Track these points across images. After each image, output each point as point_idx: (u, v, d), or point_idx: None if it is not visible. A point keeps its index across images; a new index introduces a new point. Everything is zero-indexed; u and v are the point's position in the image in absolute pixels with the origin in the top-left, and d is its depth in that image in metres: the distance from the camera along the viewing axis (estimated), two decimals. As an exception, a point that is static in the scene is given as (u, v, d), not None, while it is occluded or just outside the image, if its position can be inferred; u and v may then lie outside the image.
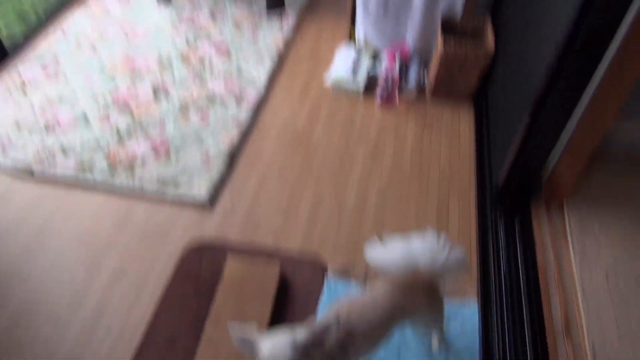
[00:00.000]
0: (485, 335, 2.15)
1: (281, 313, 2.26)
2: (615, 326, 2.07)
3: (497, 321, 2.16)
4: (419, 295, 1.75)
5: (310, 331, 1.41)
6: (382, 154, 3.10)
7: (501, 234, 2.48)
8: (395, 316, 1.69)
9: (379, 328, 1.66)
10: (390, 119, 3.37)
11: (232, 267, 2.34)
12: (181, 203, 2.74)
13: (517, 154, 2.35)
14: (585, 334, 2.04)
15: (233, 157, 3.03)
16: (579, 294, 2.17)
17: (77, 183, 2.83)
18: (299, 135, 3.21)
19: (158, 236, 2.57)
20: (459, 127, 3.34)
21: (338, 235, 2.61)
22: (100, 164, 2.92)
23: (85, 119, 3.22)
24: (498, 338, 2.10)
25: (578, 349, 2.02)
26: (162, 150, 3.01)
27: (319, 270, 2.43)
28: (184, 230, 2.60)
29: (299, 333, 1.41)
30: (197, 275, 2.39)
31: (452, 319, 2.24)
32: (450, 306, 2.28)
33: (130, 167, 2.91)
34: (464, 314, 2.27)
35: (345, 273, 2.41)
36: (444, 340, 2.14)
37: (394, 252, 1.72)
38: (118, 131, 3.14)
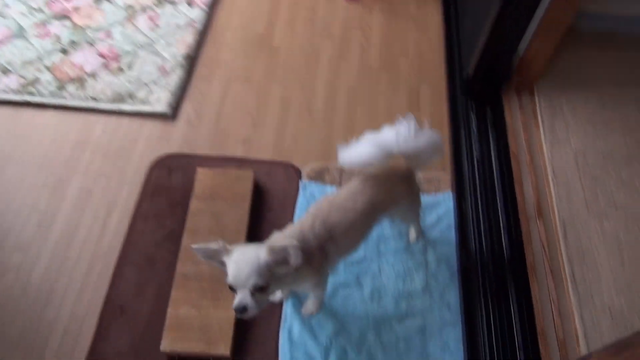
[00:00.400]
0: (460, 223, 2.20)
1: (259, 219, 2.24)
2: (584, 204, 2.14)
3: (471, 208, 2.20)
4: (396, 188, 1.74)
5: (274, 247, 1.39)
6: (348, 50, 2.96)
7: (473, 123, 2.46)
8: (374, 211, 1.68)
9: (358, 224, 1.65)
10: (354, 12, 3.17)
11: (203, 178, 2.26)
12: (141, 116, 2.59)
13: (489, 37, 2.25)
14: (556, 214, 2.10)
15: (191, 64, 2.83)
16: (550, 176, 2.22)
17: (24, 103, 2.61)
18: (260, 37, 3.01)
19: (121, 153, 2.45)
20: (426, 16, 3.18)
21: (310, 138, 2.54)
22: (46, 79, 2.69)
23: (21, 32, 2.91)
24: (473, 225, 2.16)
25: (550, 228, 2.09)
26: (113, 61, 2.79)
27: (293, 175, 2.39)
28: (148, 145, 2.48)
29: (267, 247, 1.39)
30: (168, 189, 2.31)
31: (427, 210, 2.27)
32: (425, 198, 2.30)
33: (80, 81, 2.69)
34: (439, 205, 2.30)
35: (320, 175, 2.37)
36: (421, 232, 2.18)
37: (365, 145, 1.67)
38: (60, 43, 2.86)
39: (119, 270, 2.10)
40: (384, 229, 2.20)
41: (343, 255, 1.77)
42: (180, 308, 1.93)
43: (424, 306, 2.02)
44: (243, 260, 1.37)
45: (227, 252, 1.40)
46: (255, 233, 2.19)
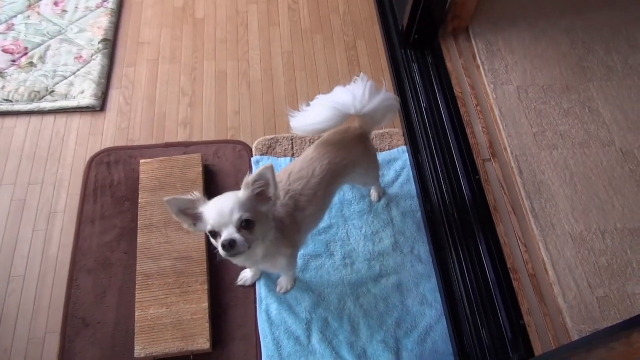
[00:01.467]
0: (419, 175, 2.19)
1: (215, 203, 2.13)
2: (532, 138, 2.19)
3: (427, 158, 2.20)
4: (353, 150, 1.68)
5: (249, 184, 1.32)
6: (277, 14, 2.82)
7: (415, 73, 2.44)
8: (334, 176, 1.63)
9: (320, 191, 1.59)
10: (276, -28, 3.02)
11: (147, 169, 2.12)
12: (66, 112, 2.36)
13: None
14: (509, 151, 2.14)
15: (111, 48, 2.60)
16: (497, 116, 2.24)
17: None
18: (181, 10, 2.81)
19: (51, 155, 2.23)
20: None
21: (253, 111, 2.42)
22: (-53, 86, 2.39)
23: None
24: (431, 174, 2.16)
25: (505, 167, 2.13)
26: (21, 56, 2.51)
27: (243, 152, 2.28)
28: (79, 142, 2.28)
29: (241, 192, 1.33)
30: (111, 187, 2.15)
31: (384, 167, 2.25)
32: (380, 155, 2.27)
33: (-12, 83, 2.41)
34: (395, 160, 2.28)
35: (271, 148, 2.28)
36: (382, 191, 2.16)
37: (320, 108, 1.59)
38: (-45, 43, 2.55)
39: (72, 281, 1.94)
40: (346, 193, 2.16)
41: (311, 224, 1.72)
42: (148, 309, 1.82)
43: (396, 263, 2.02)
44: (223, 201, 1.29)
45: (204, 201, 1.31)
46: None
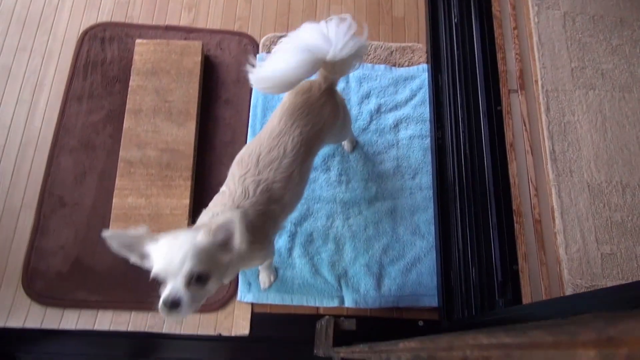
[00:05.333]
0: (436, 98, 2.00)
1: (211, 98, 1.98)
2: (569, 73, 1.96)
3: (448, 81, 1.99)
4: (324, 110, 1.40)
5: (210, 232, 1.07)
6: None
7: (453, -16, 2.16)
8: (309, 146, 1.36)
9: (296, 170, 1.32)
10: None
11: (143, 50, 1.95)
12: (63, -22, 2.16)
13: None
14: (540, 85, 1.92)
15: None
16: (535, 44, 1.99)
17: None
18: None
19: (43, 23, 2.06)
20: None
21: (267, 3, 2.19)
22: None
23: None
24: (449, 99, 1.96)
25: (532, 102, 1.92)
26: None
27: (249, 46, 2.09)
28: (74, 13, 2.09)
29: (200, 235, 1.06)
30: (102, 64, 2.00)
31: (400, 84, 2.05)
32: (398, 71, 2.07)
33: None
34: (412, 79, 2.07)
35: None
36: (354, 140, 1.93)
37: (286, 54, 1.26)
38: None
39: (54, 158, 1.85)
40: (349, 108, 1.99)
41: (290, 210, 1.44)
42: (127, 197, 1.74)
43: (394, 188, 1.89)
44: (175, 244, 1.04)
45: (152, 238, 1.06)
46: (207, 114, 1.95)
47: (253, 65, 1.28)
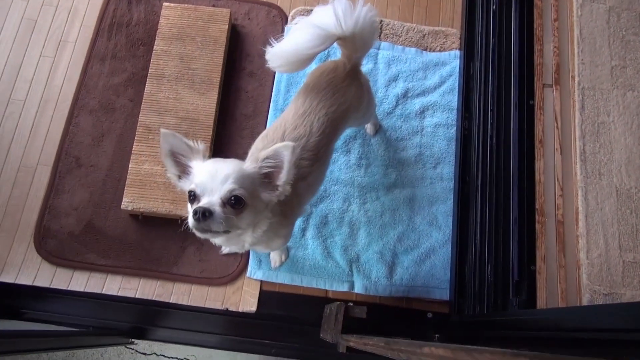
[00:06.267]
0: (466, 86, 1.93)
1: (235, 69, 1.93)
2: (609, 71, 1.87)
3: (480, 70, 1.91)
4: (349, 91, 1.38)
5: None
6: None
7: (494, -32, 2.07)
8: (334, 126, 1.34)
9: (323, 147, 1.31)
10: None
11: (170, 14, 1.89)
12: None
13: None
14: (576, 81, 1.84)
15: None
16: (576, 38, 1.90)
17: None
18: None
19: (71, -22, 2.03)
20: None
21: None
22: None
23: None
24: (480, 88, 1.89)
25: (566, 98, 1.84)
26: None
27: (278, 18, 2.03)
28: (103, -30, 2.05)
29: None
30: (128, 26, 1.95)
31: (430, 70, 1.98)
32: (428, 55, 2.00)
33: None
34: (443, 65, 2.00)
35: (309, 20, 2.01)
36: (378, 124, 1.88)
37: (297, 32, 1.27)
38: None
39: (73, 118, 1.83)
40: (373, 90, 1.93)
41: (313, 192, 1.43)
42: (143, 164, 1.71)
43: (414, 177, 1.84)
44: (222, 164, 1.05)
45: (202, 156, 1.08)
46: (229, 85, 1.90)
47: (271, 45, 1.28)
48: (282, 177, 1.07)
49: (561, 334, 1.08)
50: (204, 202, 1.00)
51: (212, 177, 1.02)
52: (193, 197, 1.03)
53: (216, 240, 1.18)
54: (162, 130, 1.05)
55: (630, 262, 1.64)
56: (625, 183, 1.73)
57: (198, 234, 1.03)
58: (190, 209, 1.02)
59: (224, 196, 1.00)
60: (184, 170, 1.09)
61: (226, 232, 1.03)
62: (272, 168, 1.07)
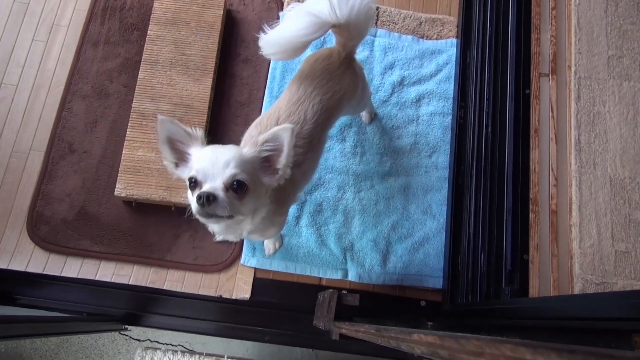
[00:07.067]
0: (462, 75, 1.92)
1: (230, 55, 1.92)
2: (605, 61, 1.87)
3: (477, 58, 1.90)
4: (344, 79, 1.37)
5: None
6: None
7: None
8: (328, 115, 1.33)
9: (317, 134, 1.31)
10: None
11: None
12: None
13: None
14: (573, 71, 1.84)
15: None
16: (573, 26, 1.90)
17: None
18: None
19: (63, -39, 2.00)
20: None
21: (295, -42, 2.10)
22: None
23: None
24: (476, 77, 1.88)
25: (562, 88, 1.84)
26: None
27: (273, 4, 2.00)
28: (96, -47, 2.02)
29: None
30: (122, 10, 1.93)
31: (426, 58, 1.97)
32: (425, 44, 1.99)
33: None
34: (439, 53, 1.99)
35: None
36: (373, 112, 1.87)
37: (291, 19, 1.25)
38: None
39: (66, 103, 1.82)
40: (368, 77, 1.92)
41: (307, 179, 1.43)
42: (137, 150, 1.70)
43: (409, 165, 1.84)
44: (221, 150, 1.04)
45: (201, 142, 1.07)
46: (224, 71, 1.89)
47: (264, 32, 1.26)
48: (282, 160, 1.07)
49: (553, 323, 1.09)
50: (206, 187, 0.99)
51: (213, 163, 1.01)
52: (194, 183, 1.02)
53: (216, 228, 1.17)
54: (160, 117, 1.04)
55: (622, 251, 1.65)
56: (620, 173, 1.73)
57: (202, 219, 1.03)
58: (191, 195, 1.02)
59: (227, 181, 1.00)
60: (181, 158, 1.08)
61: (230, 217, 1.02)
62: (272, 151, 1.07)
